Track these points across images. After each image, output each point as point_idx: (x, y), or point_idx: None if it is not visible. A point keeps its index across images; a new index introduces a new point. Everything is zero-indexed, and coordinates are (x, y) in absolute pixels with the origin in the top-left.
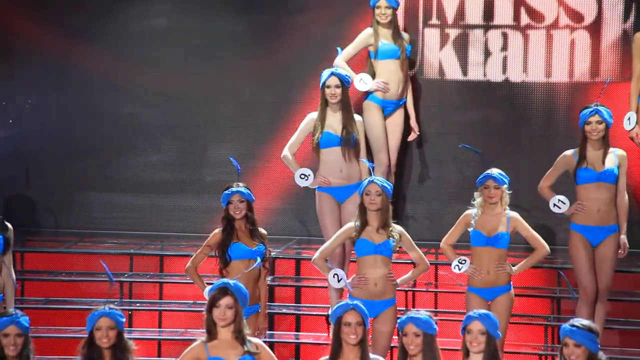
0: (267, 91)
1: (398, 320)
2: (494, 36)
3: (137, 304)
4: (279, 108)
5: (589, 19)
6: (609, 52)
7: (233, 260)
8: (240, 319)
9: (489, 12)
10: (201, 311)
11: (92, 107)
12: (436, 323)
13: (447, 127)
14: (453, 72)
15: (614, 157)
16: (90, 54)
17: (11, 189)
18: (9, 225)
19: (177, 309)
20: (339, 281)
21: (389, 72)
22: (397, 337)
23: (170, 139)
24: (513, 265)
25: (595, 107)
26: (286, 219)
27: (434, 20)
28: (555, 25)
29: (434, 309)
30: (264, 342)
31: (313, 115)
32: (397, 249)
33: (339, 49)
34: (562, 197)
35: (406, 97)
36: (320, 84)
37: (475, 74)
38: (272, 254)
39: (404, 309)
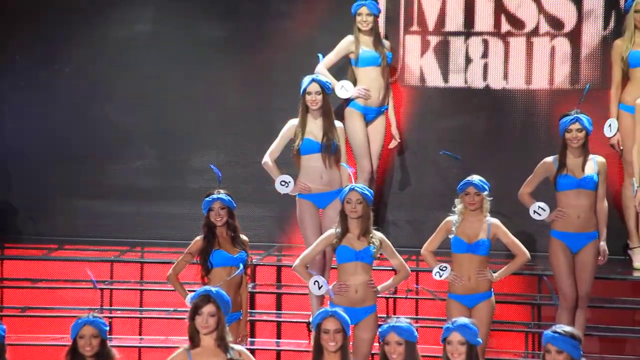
0: (250, 98)
1: (379, 329)
2: (475, 43)
3: (118, 312)
4: (261, 115)
5: (569, 26)
6: (589, 59)
7: (215, 267)
8: (222, 326)
9: (469, 19)
10: (182, 318)
11: (74, 113)
12: (417, 330)
13: (428, 133)
14: (434, 79)
15: (593, 164)
16: (73, 60)
17: None
18: None
19: (158, 316)
20: (319, 288)
21: (370, 79)
22: (377, 344)
23: (152, 146)
24: (494, 272)
25: (576, 115)
26: (267, 225)
27: (415, 27)
28: (535, 32)
29: (414, 316)
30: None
31: (294, 122)
32: (378, 255)
33: (320, 55)
34: (542, 204)
35: (387, 104)
36: (301, 91)
37: (456, 81)
38: (252, 261)
39: (385, 316)
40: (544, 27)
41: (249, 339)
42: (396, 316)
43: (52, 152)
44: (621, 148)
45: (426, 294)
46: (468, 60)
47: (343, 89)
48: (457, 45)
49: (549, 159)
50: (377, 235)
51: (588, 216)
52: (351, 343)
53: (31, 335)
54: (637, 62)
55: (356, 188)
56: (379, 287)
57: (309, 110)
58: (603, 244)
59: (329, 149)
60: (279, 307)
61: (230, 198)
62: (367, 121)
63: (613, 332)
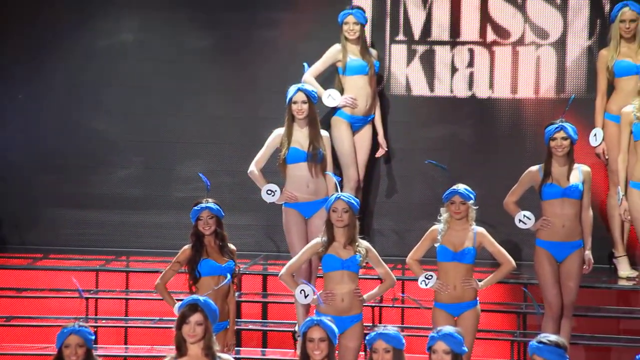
0: (236, 107)
1: (366, 337)
2: (461, 52)
3: (103, 321)
4: (247, 124)
5: (554, 35)
6: (574, 69)
7: (203, 276)
8: (210, 335)
9: (455, 28)
10: (167, 328)
11: (60, 122)
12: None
13: (414, 142)
14: (420, 88)
15: (578, 173)
16: (58, 69)
17: None
18: None
19: (143, 325)
20: (305, 297)
21: (358, 88)
22: (363, 352)
23: (138, 155)
24: (479, 281)
25: (561, 124)
26: (253, 234)
27: (401, 37)
28: (521, 41)
29: (400, 325)
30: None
31: (280, 131)
32: (364, 264)
33: (305, 65)
34: (527, 213)
35: (374, 113)
36: (287, 100)
37: (441, 90)
38: (239, 270)
39: (371, 324)
40: (530, 36)
41: (235, 348)
42: (383, 325)
43: (38, 161)
44: (606, 157)
45: (412, 303)
46: (454, 70)
47: (330, 98)
48: (443, 54)
49: (534, 168)
50: (363, 244)
51: (573, 225)
52: (337, 352)
53: (16, 345)
54: (622, 71)
55: (342, 197)
56: (365, 296)
57: (295, 119)
58: (588, 253)
59: (315, 158)
60: (264, 316)
61: (218, 207)
62: (354, 130)
63: (599, 340)
